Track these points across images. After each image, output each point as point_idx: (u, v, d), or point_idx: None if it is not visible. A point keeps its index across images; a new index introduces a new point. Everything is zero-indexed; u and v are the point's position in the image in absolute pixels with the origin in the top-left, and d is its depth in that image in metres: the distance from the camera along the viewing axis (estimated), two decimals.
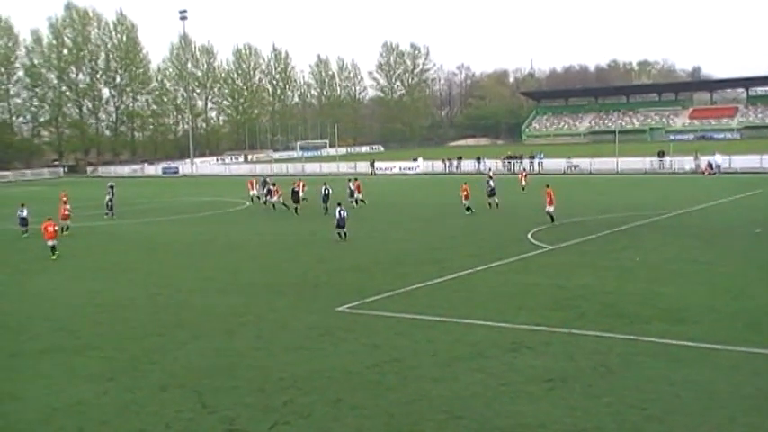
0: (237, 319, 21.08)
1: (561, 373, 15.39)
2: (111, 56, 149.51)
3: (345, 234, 35.35)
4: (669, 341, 17.16)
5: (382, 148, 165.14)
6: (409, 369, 16.04)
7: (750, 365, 15.46)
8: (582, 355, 16.49)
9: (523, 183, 56.49)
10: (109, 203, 51.03)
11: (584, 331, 18.23)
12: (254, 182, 59.12)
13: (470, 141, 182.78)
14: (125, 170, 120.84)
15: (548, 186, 38.73)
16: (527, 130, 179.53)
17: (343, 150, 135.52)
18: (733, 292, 22.07)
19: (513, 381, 15.06)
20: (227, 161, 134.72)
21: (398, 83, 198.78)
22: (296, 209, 47.47)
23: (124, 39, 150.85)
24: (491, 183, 47.09)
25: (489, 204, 45.56)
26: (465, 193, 43.90)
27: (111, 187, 61.26)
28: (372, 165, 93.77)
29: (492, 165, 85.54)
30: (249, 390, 15.11)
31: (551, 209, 37.54)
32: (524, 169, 69.11)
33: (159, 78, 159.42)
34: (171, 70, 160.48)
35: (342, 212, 35.72)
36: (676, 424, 12.74)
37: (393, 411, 13.72)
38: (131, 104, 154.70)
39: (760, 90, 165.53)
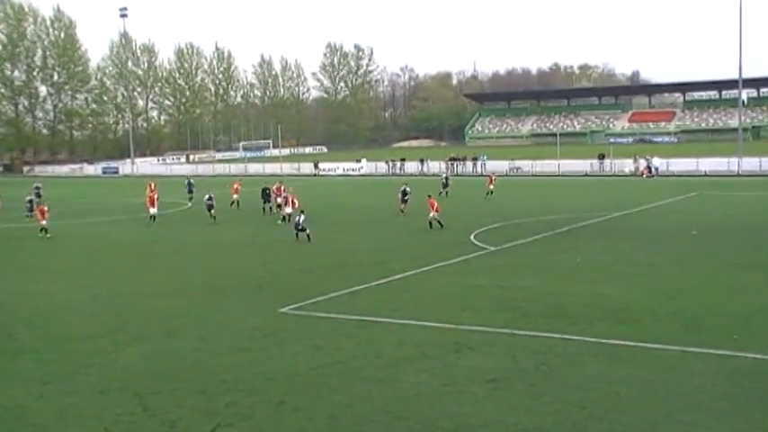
0: (179, 320, 20.81)
1: (504, 373, 15.53)
2: (48, 53, 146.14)
3: (297, 235, 35.18)
4: (609, 341, 17.44)
5: (326, 149, 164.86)
6: (352, 370, 16.02)
7: (687, 364, 15.77)
8: (524, 355, 16.66)
9: (491, 187, 54.76)
10: (29, 204, 49.44)
11: (526, 332, 18.41)
12: (153, 187, 52.58)
13: (414, 143, 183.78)
14: (63, 170, 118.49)
15: (429, 196, 39.77)
16: (470, 131, 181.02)
17: (286, 151, 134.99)
18: (671, 292, 22.50)
19: (456, 381, 15.14)
20: (168, 161, 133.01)
21: (342, 84, 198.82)
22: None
23: (62, 36, 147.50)
24: (407, 188, 45.85)
25: (402, 210, 44.34)
26: (280, 198, 43.43)
27: (38, 188, 60.04)
28: (316, 166, 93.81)
29: (435, 166, 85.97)
30: (191, 392, 14.93)
31: (435, 215, 37.69)
32: (493, 172, 65.76)
33: (99, 77, 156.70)
34: (111, 68, 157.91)
35: (298, 218, 35.74)
36: (616, 422, 12.94)
37: (336, 413, 13.68)
38: (70, 103, 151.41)
39: (696, 95, 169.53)
